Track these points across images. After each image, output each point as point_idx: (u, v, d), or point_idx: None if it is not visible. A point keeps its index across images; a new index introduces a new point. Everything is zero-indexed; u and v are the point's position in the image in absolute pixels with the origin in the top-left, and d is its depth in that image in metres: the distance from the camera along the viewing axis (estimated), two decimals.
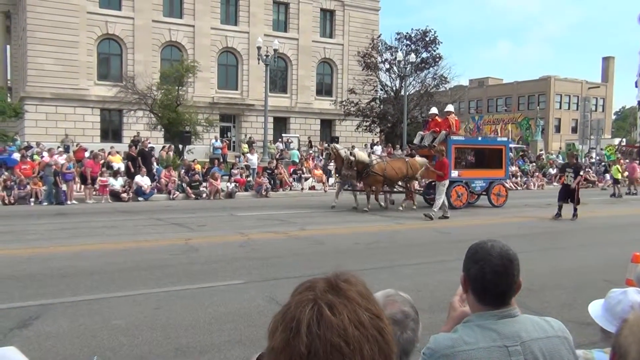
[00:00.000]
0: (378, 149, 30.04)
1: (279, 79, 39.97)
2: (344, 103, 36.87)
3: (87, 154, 22.49)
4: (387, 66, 37.44)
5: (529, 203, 19.39)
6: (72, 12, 32.37)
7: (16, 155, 21.46)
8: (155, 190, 19.70)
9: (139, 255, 9.09)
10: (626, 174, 25.84)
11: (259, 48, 27.35)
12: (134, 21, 34.41)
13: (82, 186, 19.06)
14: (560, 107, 64.06)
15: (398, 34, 36.98)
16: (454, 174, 16.94)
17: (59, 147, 25.09)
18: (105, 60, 34.72)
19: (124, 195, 18.89)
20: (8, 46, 44.50)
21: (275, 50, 27.75)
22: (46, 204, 17.53)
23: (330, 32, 42.14)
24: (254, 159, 24.81)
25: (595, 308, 2.18)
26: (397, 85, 36.95)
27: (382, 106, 37.84)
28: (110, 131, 34.20)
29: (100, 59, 34.41)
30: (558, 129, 63.53)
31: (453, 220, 14.42)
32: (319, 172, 24.57)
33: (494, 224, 13.92)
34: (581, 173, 15.22)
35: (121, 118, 33.30)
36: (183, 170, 20.86)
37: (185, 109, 27.48)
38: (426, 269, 8.18)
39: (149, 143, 24.88)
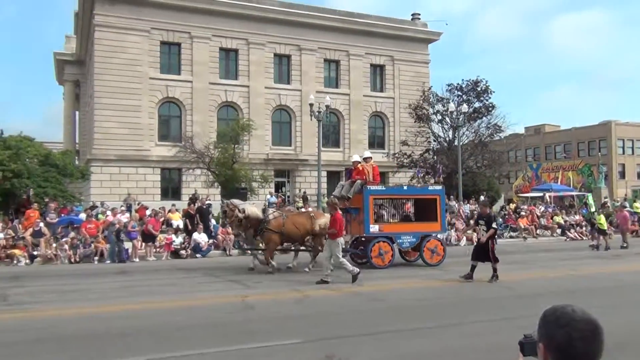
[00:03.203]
0: None
1: (331, 134, 40.53)
2: (396, 155, 36.82)
3: (148, 212, 23.20)
4: (439, 117, 37.36)
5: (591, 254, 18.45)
6: (136, 79, 34.31)
7: (82, 215, 22.36)
8: (213, 247, 19.97)
9: (197, 313, 9.11)
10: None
11: (311, 105, 27.96)
12: (192, 84, 36.07)
13: (143, 244, 19.58)
14: (623, 152, 61.61)
15: (449, 85, 37.09)
16: (374, 228, 15.19)
17: (121, 206, 26.06)
18: (165, 122, 36.34)
19: (183, 252, 19.25)
20: (77, 112, 47.52)
21: (327, 106, 28.27)
22: (109, 262, 18.05)
23: (381, 86, 42.70)
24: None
25: None
26: (450, 136, 36.68)
27: (435, 157, 37.54)
28: (170, 189, 35.32)
29: (161, 121, 36.04)
30: (622, 174, 60.89)
31: (514, 272, 13.80)
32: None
33: (558, 279, 13.23)
34: (494, 225, 12.73)
35: (180, 176, 34.45)
36: None
37: (241, 166, 28.16)
38: (494, 327, 7.77)
39: (207, 200, 25.47)
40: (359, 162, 16.11)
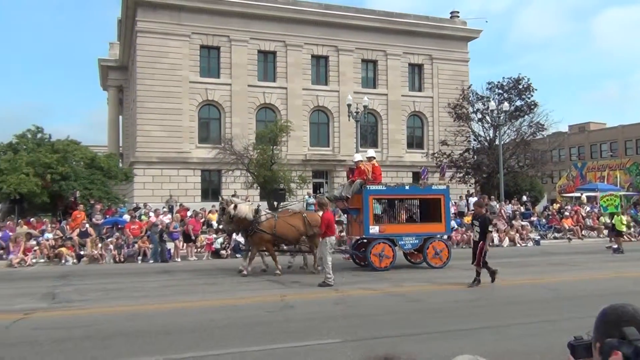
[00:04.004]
0: (474, 200, 29.05)
1: (369, 134, 40.39)
2: (435, 155, 36.42)
3: (189, 213, 23.65)
4: (480, 116, 36.74)
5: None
6: (177, 83, 35.02)
7: (126, 216, 22.98)
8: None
9: (237, 312, 9.24)
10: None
11: (349, 105, 27.93)
12: (231, 87, 36.56)
13: (185, 244, 19.98)
14: None
15: (489, 83, 36.42)
16: (374, 229, 14.80)
17: (163, 207, 26.64)
18: (205, 124, 36.94)
19: (223, 252, 19.54)
20: (121, 116, 48.86)
21: (365, 106, 28.21)
22: (152, 261, 18.49)
23: (419, 85, 42.31)
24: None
25: None
26: (491, 135, 36.03)
27: (475, 157, 36.93)
28: (210, 191, 35.85)
29: (201, 124, 36.66)
30: None
31: (558, 274, 13.46)
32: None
33: (604, 280, 12.82)
34: (490, 228, 11.78)
35: (220, 178, 34.94)
36: None
37: (280, 167, 28.36)
38: (534, 330, 7.61)
39: (246, 201, 25.75)
40: (361, 161, 15.71)
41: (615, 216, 21.45)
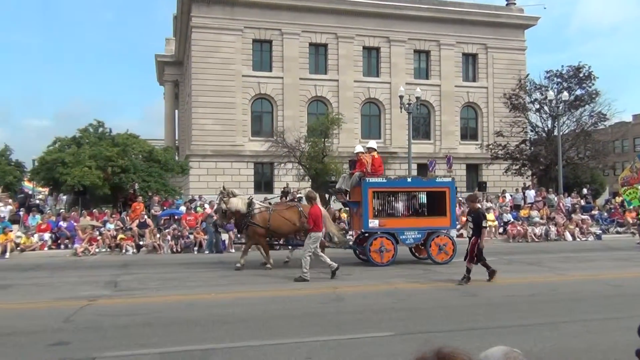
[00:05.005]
0: (531, 193, 28.26)
1: (421, 126, 39.86)
2: (490, 146, 35.53)
3: None
4: (537, 106, 35.53)
5: None
6: (230, 77, 35.62)
7: (182, 208, 23.63)
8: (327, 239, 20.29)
9: (290, 303, 9.37)
10: None
11: (401, 97, 27.63)
12: (283, 80, 36.85)
13: (240, 235, 20.34)
14: None
15: (548, 72, 35.10)
16: (373, 223, 14.31)
17: (218, 199, 27.17)
18: (258, 117, 37.43)
19: (276, 243, 19.77)
20: (176, 111, 50.19)
21: (417, 97, 27.83)
22: (207, 252, 18.96)
23: (474, 75, 41.35)
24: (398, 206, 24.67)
25: None
26: (550, 126, 34.81)
27: (532, 148, 35.80)
28: (263, 183, 36.37)
29: (253, 117, 37.16)
30: None
31: (622, 270, 12.92)
32: (464, 218, 23.70)
33: None
34: (484, 224, 11.09)
35: (272, 170, 35.38)
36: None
37: (331, 159, 28.43)
38: (596, 327, 7.34)
39: (298, 194, 25.97)
40: (362, 153, 15.14)
41: None
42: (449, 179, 15.90)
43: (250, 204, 14.39)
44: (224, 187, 15.37)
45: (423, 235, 14.72)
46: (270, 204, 15.53)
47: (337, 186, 15.59)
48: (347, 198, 15.39)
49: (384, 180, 15.12)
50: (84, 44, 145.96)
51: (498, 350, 1.59)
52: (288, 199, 22.43)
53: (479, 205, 12.32)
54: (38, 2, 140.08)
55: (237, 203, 14.25)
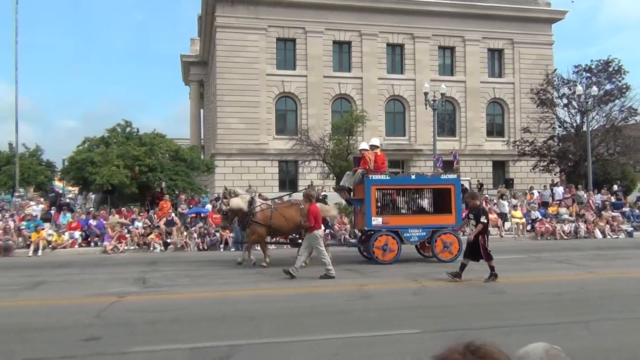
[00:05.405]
0: (559, 189, 27.77)
1: (446, 122, 39.52)
2: (517, 143, 35.02)
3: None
4: (565, 101, 34.89)
5: None
6: (254, 76, 35.83)
7: (208, 206, 23.85)
8: (329, 237, 20.37)
9: (317, 300, 9.39)
10: None
11: (425, 94, 27.43)
12: (307, 78, 36.92)
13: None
14: None
15: (576, 66, 34.42)
16: (376, 221, 14.13)
17: None
18: (282, 116, 37.59)
19: (300, 240, 19.83)
20: (202, 110, 50.71)
21: (442, 94, 27.60)
22: (233, 249, 19.12)
23: (500, 71, 40.82)
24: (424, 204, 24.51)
25: None
26: (578, 121, 34.15)
27: (561, 144, 35.18)
28: (287, 181, 36.51)
29: (277, 115, 37.33)
30: None
31: None
32: (493, 216, 23.41)
33: None
34: (482, 220, 10.84)
35: (297, 168, 35.51)
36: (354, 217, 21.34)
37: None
38: (626, 326, 7.20)
39: (323, 192, 26.01)
40: (365, 150, 15.01)
41: None
42: (454, 176, 15.67)
43: (251, 202, 14.46)
44: (225, 188, 15.53)
45: (428, 232, 14.53)
46: (272, 202, 15.63)
47: (340, 184, 15.50)
48: (351, 196, 15.38)
49: (387, 178, 15.04)
50: (110, 46, 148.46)
51: (538, 346, 1.58)
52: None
53: (478, 202, 12.18)
54: (67, 4, 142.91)
55: (239, 202, 14.29)
